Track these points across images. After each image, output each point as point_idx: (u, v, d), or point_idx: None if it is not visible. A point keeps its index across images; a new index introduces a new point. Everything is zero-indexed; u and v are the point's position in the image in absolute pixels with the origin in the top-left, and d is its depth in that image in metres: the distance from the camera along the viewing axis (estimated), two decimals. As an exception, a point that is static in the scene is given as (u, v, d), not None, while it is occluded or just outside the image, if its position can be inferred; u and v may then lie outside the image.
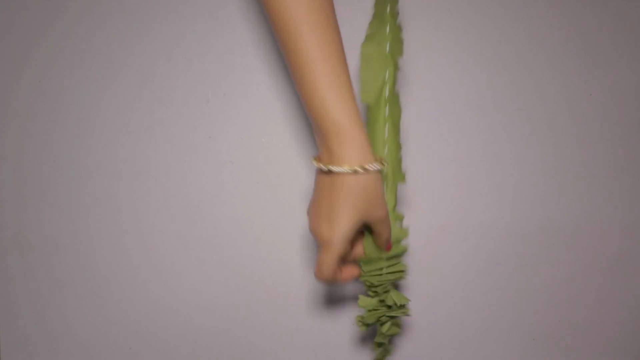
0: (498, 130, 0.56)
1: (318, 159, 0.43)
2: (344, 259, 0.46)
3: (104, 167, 0.56)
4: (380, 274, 0.47)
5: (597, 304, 0.57)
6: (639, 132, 0.57)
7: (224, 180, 0.56)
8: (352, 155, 0.41)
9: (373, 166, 0.41)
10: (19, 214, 0.56)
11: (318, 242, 0.43)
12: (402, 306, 0.49)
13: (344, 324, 0.56)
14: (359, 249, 0.47)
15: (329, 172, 0.41)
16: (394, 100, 0.46)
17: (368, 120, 0.46)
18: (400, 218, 0.48)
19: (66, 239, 0.56)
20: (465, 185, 0.56)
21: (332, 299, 0.56)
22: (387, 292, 0.48)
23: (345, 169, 0.40)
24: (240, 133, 0.56)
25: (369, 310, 0.49)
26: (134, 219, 0.56)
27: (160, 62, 0.56)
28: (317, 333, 0.56)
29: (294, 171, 0.56)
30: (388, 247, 0.46)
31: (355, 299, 0.56)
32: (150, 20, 0.56)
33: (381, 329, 0.50)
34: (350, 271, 0.46)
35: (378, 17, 0.45)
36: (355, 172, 0.40)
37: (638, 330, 0.57)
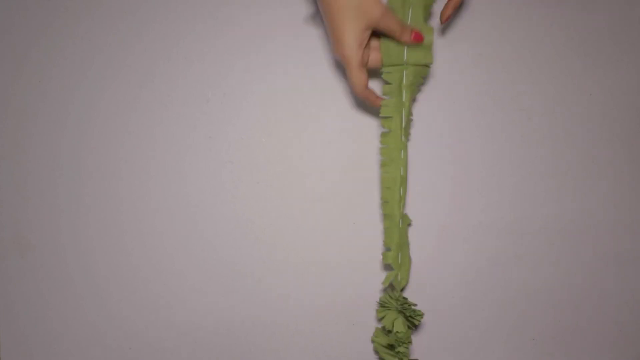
0: (498, 130, 0.56)
1: None
2: (367, 66, 0.51)
3: (104, 167, 0.56)
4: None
5: (597, 304, 0.57)
6: (639, 132, 0.57)
7: (224, 180, 0.56)
8: None
9: None
10: (19, 214, 0.56)
11: (342, 63, 0.49)
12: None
13: (344, 324, 0.56)
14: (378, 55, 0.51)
15: None
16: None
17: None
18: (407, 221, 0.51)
19: (66, 239, 0.56)
20: (465, 185, 0.56)
21: (333, 299, 0.56)
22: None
23: None
24: (240, 133, 0.56)
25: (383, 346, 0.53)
26: (134, 219, 0.56)
27: (160, 62, 0.56)
28: (317, 333, 0.56)
29: (294, 171, 0.56)
30: (414, 37, 0.49)
31: (354, 300, 0.56)
32: (150, 20, 0.56)
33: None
34: (375, 58, 0.51)
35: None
36: None
37: (638, 330, 0.57)
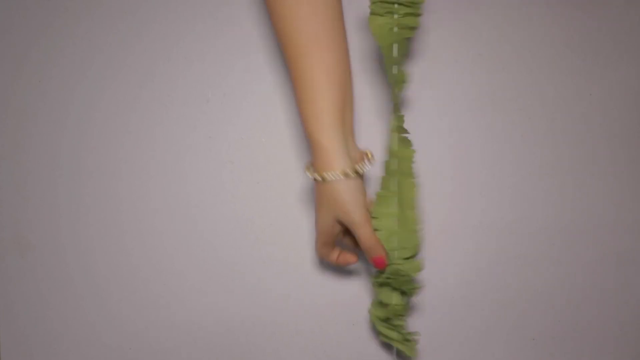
0: (498, 131, 0.56)
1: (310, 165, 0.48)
2: (339, 245, 0.51)
3: (103, 167, 0.56)
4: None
5: (597, 304, 0.57)
6: (639, 132, 0.57)
7: (224, 180, 0.56)
8: (317, 164, 0.45)
9: (332, 175, 0.45)
10: (19, 214, 0.56)
11: None
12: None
13: (344, 324, 0.56)
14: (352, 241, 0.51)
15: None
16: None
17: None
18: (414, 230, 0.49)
19: (66, 239, 0.56)
20: (465, 185, 0.56)
21: (333, 299, 0.56)
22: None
23: (309, 175, 0.47)
24: (240, 133, 0.56)
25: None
26: (133, 219, 0.56)
27: (160, 62, 0.56)
28: (317, 333, 0.56)
29: (294, 171, 0.56)
30: (376, 262, 0.48)
31: (354, 300, 0.56)
32: (150, 20, 0.56)
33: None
34: (345, 257, 0.51)
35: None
36: (319, 179, 0.45)
37: (638, 330, 0.57)
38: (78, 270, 0.56)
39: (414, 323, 0.56)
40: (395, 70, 0.48)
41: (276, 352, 0.56)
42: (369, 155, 0.47)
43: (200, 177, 0.56)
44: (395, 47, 0.47)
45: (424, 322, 0.56)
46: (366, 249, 0.48)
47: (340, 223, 0.48)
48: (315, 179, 0.46)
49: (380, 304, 0.51)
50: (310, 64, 0.44)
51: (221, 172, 0.56)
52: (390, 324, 0.51)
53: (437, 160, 0.56)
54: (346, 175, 0.45)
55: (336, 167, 0.45)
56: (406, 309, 0.51)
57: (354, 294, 0.56)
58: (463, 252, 0.56)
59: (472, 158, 0.56)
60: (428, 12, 0.56)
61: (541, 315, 0.57)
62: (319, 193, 0.47)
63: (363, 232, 0.47)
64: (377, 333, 0.53)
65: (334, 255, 0.50)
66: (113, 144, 0.56)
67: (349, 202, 0.45)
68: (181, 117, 0.56)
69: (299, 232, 0.56)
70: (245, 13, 0.55)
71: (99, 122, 0.56)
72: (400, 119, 0.49)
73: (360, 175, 0.46)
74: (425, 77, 0.56)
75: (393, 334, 0.51)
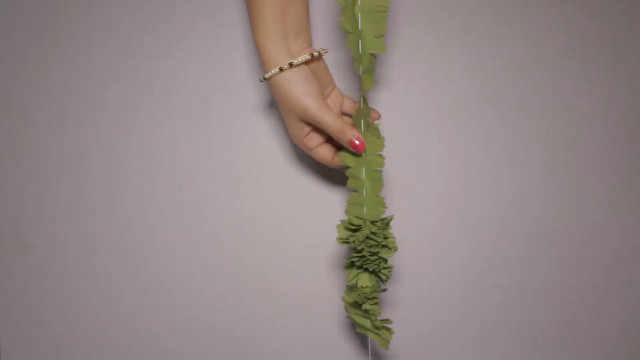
0: (497, 131, 0.56)
1: None
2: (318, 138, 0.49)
3: (103, 167, 0.56)
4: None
5: (597, 304, 0.57)
6: (639, 132, 0.57)
7: (224, 180, 0.56)
8: (264, 67, 0.46)
9: (272, 72, 0.45)
10: (19, 214, 0.56)
11: None
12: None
13: (344, 324, 0.56)
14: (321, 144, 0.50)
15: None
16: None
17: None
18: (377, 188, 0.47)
19: (66, 239, 0.56)
20: (465, 185, 0.56)
21: (333, 299, 0.56)
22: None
23: (261, 79, 0.47)
24: (240, 133, 0.56)
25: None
26: (133, 219, 0.56)
27: (160, 62, 0.56)
28: (317, 333, 0.56)
29: (294, 171, 0.56)
30: (354, 146, 0.46)
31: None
32: (150, 20, 0.56)
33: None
34: (323, 153, 0.49)
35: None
36: (262, 80, 0.47)
37: (638, 330, 0.57)
38: (78, 271, 0.56)
39: (414, 322, 0.56)
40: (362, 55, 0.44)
41: (276, 352, 0.56)
42: (319, 51, 0.47)
43: (200, 177, 0.56)
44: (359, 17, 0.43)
45: (424, 322, 0.56)
46: (336, 133, 0.46)
47: (306, 122, 0.47)
48: (260, 81, 0.47)
49: (351, 288, 0.49)
50: None
51: (221, 172, 0.56)
52: (362, 311, 0.49)
53: (437, 160, 0.56)
54: (281, 68, 0.45)
55: (277, 64, 0.45)
56: (376, 292, 0.48)
57: (354, 294, 0.56)
58: (463, 252, 0.56)
59: (471, 158, 0.56)
60: (428, 13, 0.56)
61: (541, 315, 0.57)
62: (275, 97, 0.47)
63: (324, 119, 0.45)
64: (354, 324, 0.51)
65: (309, 142, 0.49)
66: (113, 144, 0.56)
67: (295, 94, 0.45)
68: (181, 117, 0.56)
69: (299, 232, 0.56)
70: (245, 13, 0.55)
71: (98, 122, 0.56)
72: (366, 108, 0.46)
73: (302, 68, 0.46)
74: (424, 77, 0.56)
75: (365, 322, 0.49)
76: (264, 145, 0.56)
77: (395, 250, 0.47)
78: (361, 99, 0.46)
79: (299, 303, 0.56)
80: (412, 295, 0.56)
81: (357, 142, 0.46)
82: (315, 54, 0.47)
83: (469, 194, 0.56)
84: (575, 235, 0.56)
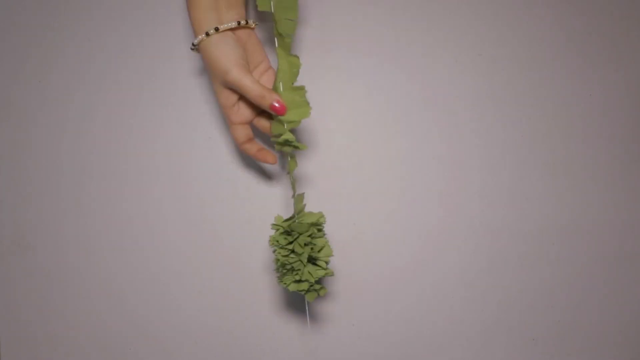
0: (497, 131, 0.56)
1: None
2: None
3: (103, 167, 0.56)
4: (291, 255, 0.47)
5: (597, 304, 0.57)
6: (639, 132, 0.57)
7: (224, 180, 0.56)
8: (195, 32, 0.47)
9: (199, 38, 0.46)
10: (19, 214, 0.56)
11: None
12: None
13: (344, 324, 0.56)
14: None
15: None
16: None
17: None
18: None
19: (66, 239, 0.56)
20: (464, 185, 0.56)
21: (333, 299, 0.56)
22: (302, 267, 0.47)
23: (191, 48, 0.48)
24: (240, 133, 0.56)
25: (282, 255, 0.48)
26: (133, 219, 0.56)
27: (160, 62, 0.56)
28: (317, 333, 0.56)
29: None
30: (276, 109, 0.46)
31: (355, 299, 0.56)
32: (150, 20, 0.56)
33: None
34: (264, 154, 0.50)
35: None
36: (192, 48, 0.47)
37: (638, 330, 0.57)
38: (78, 271, 0.56)
39: (414, 322, 0.56)
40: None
41: (276, 352, 0.56)
42: (247, 21, 0.48)
43: (200, 178, 0.56)
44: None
45: (424, 322, 0.56)
46: (257, 98, 0.46)
47: (230, 89, 0.47)
48: (191, 49, 0.48)
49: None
50: None
51: (221, 172, 0.56)
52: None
53: (437, 160, 0.56)
54: (207, 34, 0.46)
55: (203, 30, 0.46)
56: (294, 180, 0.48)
57: (354, 294, 0.56)
58: (463, 252, 0.56)
59: (471, 158, 0.56)
60: (428, 13, 0.56)
61: (541, 315, 0.57)
62: (204, 64, 0.48)
63: (243, 82, 0.46)
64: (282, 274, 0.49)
65: (253, 147, 0.50)
66: (113, 144, 0.56)
67: (219, 57, 0.46)
68: (181, 118, 0.56)
69: (299, 232, 0.56)
70: (249, 11, 0.55)
71: (98, 122, 0.56)
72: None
73: (228, 34, 0.47)
74: (424, 77, 0.56)
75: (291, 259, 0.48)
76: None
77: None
78: (278, 55, 0.47)
79: (299, 303, 0.56)
80: (412, 295, 0.56)
81: (277, 104, 0.46)
82: (243, 22, 0.48)
83: (469, 194, 0.56)
84: (575, 235, 0.56)
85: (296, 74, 0.47)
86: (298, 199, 0.47)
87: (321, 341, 0.56)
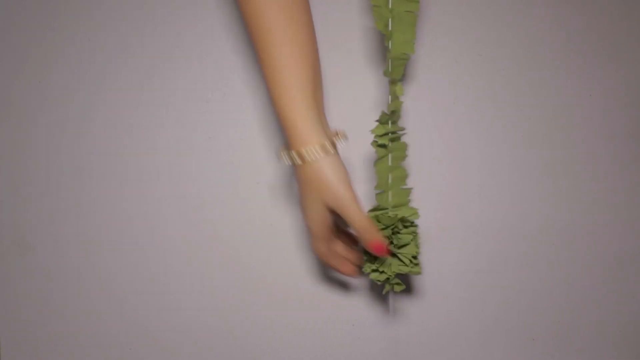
0: (497, 131, 0.56)
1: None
2: (337, 243, 0.49)
3: (103, 167, 0.56)
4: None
5: (597, 304, 0.57)
6: (639, 132, 0.57)
7: (224, 180, 0.56)
8: (294, 144, 0.43)
9: (310, 152, 0.42)
10: (19, 214, 0.56)
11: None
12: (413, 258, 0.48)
13: (344, 324, 0.56)
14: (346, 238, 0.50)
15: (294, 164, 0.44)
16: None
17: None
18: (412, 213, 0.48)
19: (66, 239, 0.56)
20: (464, 185, 0.56)
21: (333, 299, 0.56)
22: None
23: (286, 161, 0.44)
24: (240, 133, 0.56)
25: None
26: (133, 219, 0.56)
27: (160, 62, 0.56)
28: (317, 334, 0.56)
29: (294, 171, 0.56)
30: (375, 248, 0.45)
31: (354, 300, 0.56)
32: (150, 20, 0.56)
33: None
34: (347, 266, 0.49)
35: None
36: (298, 161, 0.43)
37: (638, 330, 0.57)
38: (78, 271, 0.56)
39: (414, 322, 0.56)
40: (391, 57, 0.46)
41: (276, 352, 0.56)
42: (340, 134, 0.46)
43: (200, 178, 0.56)
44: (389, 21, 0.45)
45: (424, 322, 0.56)
46: (359, 230, 0.44)
47: (330, 210, 0.45)
48: (294, 163, 0.44)
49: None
50: (279, 41, 0.43)
51: (221, 172, 0.56)
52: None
53: (437, 160, 0.56)
54: (325, 151, 0.43)
55: (315, 144, 0.43)
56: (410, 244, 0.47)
57: (354, 294, 0.56)
58: (462, 253, 0.56)
59: (471, 158, 0.56)
60: (428, 13, 0.56)
61: (541, 315, 0.57)
62: (301, 179, 0.44)
63: (353, 212, 0.43)
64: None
65: (336, 259, 0.49)
66: (113, 145, 0.56)
67: (334, 181, 0.43)
68: (181, 118, 0.56)
69: (299, 232, 0.56)
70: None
71: (98, 122, 0.56)
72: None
73: (337, 152, 0.44)
74: (424, 77, 0.56)
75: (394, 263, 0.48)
76: (264, 145, 0.56)
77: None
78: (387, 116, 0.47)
79: (299, 304, 0.56)
80: (411, 296, 0.56)
81: (377, 245, 0.45)
82: (343, 138, 0.45)
83: (469, 194, 0.56)
84: (575, 235, 0.56)
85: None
86: (401, 192, 0.48)
87: (321, 340, 0.56)
